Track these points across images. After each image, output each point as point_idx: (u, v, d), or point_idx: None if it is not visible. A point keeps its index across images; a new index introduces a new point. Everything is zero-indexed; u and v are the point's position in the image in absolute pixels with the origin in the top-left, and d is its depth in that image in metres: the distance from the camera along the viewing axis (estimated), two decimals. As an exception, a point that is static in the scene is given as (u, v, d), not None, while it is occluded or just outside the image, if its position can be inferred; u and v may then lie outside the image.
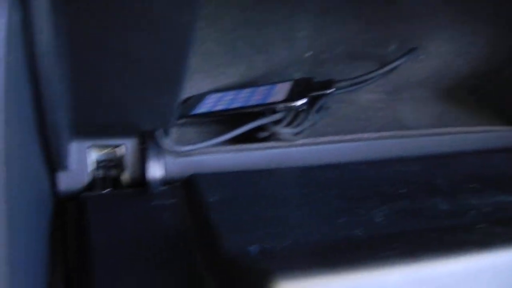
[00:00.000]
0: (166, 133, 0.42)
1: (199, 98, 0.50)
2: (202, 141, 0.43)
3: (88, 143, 0.41)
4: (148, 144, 0.41)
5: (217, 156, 0.43)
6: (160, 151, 0.41)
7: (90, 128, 0.40)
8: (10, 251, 0.21)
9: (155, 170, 0.40)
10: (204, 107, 0.48)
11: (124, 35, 0.30)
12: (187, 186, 0.40)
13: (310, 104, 0.46)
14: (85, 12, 0.28)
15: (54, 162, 0.38)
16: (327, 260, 0.30)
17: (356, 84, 0.48)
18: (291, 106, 0.44)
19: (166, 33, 0.30)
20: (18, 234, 0.23)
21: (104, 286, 0.32)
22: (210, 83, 0.51)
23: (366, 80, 0.48)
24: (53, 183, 0.40)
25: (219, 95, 0.50)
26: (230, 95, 0.49)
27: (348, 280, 0.28)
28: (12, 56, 0.20)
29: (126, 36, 0.30)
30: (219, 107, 0.47)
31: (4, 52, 0.20)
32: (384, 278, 0.29)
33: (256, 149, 0.44)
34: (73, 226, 0.38)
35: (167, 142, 0.41)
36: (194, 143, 0.42)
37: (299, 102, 0.44)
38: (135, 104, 0.37)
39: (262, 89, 0.49)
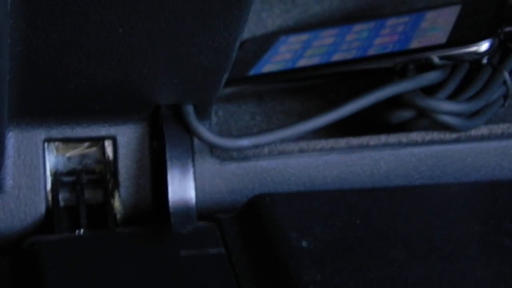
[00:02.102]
0: (203, 113, 0.31)
1: (263, 43, 0.41)
2: (271, 130, 0.32)
3: (44, 133, 0.31)
4: (166, 135, 0.31)
5: (304, 160, 0.33)
6: (191, 149, 0.32)
7: (49, 103, 0.30)
8: None
9: (184, 187, 0.30)
10: (276, 62, 0.38)
11: None
12: (248, 219, 0.31)
13: (501, 52, 0.34)
14: None
15: None
16: None
17: None
18: (464, 54, 0.32)
19: None
20: None
21: None
22: (282, 14, 0.42)
23: None
24: None
25: (304, 37, 0.40)
26: (325, 36, 0.39)
27: None
28: None
29: None
30: (309, 60, 0.37)
31: None
32: None
33: (382, 146, 0.33)
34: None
35: (205, 131, 0.31)
36: (255, 134, 0.33)
37: (482, 47, 0.32)
38: (154, 53, 0.27)
39: (394, 23, 0.37)
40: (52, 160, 0.32)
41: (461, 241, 0.30)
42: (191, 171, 0.31)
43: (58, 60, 0.27)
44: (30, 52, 0.26)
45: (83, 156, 0.32)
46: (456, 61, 0.33)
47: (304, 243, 0.30)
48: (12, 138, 0.31)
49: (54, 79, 0.29)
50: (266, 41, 0.41)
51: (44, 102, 0.30)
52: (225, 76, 0.30)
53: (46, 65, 0.28)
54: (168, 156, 0.30)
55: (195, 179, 0.31)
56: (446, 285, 0.28)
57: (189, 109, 0.30)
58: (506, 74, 0.33)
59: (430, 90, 0.33)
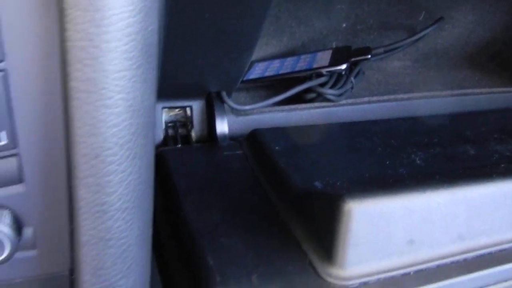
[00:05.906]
0: (229, 95, 0.50)
1: (249, 66, 0.57)
2: (258, 102, 0.51)
3: (162, 104, 0.49)
4: (215, 104, 0.49)
5: (272, 114, 0.52)
6: (224, 111, 0.50)
7: (166, 90, 0.47)
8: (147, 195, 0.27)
9: (222, 126, 0.49)
10: (254, 74, 0.56)
11: (213, 7, 0.38)
12: (251, 139, 0.49)
13: (349, 69, 0.55)
14: None
15: None
16: (382, 188, 0.37)
17: (388, 51, 0.57)
18: (336, 70, 0.53)
19: (248, 6, 0.38)
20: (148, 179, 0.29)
21: (193, 224, 0.37)
22: (256, 53, 0.59)
23: (397, 48, 0.57)
24: None
25: (266, 63, 0.59)
26: (276, 63, 0.58)
27: (402, 200, 0.36)
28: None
29: (215, 7, 0.38)
30: (269, 73, 0.56)
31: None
32: (429, 199, 0.37)
33: (306, 108, 0.53)
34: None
35: (230, 103, 0.50)
36: (249, 104, 0.51)
37: (343, 66, 0.53)
38: (209, 67, 0.45)
39: (305, 57, 0.58)
40: (165, 116, 0.50)
41: (350, 145, 0.47)
42: (226, 120, 0.49)
43: (173, 76, 0.44)
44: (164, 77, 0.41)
45: (177, 114, 0.50)
46: (332, 73, 0.54)
47: (277, 148, 0.45)
48: None
49: (172, 84, 0.45)
50: (249, 66, 0.57)
51: (163, 91, 0.44)
52: (240, 80, 0.48)
53: (166, 79, 0.43)
54: (216, 114, 0.48)
55: (227, 123, 0.49)
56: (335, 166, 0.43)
57: (224, 93, 0.49)
58: (352, 78, 0.54)
59: (322, 85, 0.54)
